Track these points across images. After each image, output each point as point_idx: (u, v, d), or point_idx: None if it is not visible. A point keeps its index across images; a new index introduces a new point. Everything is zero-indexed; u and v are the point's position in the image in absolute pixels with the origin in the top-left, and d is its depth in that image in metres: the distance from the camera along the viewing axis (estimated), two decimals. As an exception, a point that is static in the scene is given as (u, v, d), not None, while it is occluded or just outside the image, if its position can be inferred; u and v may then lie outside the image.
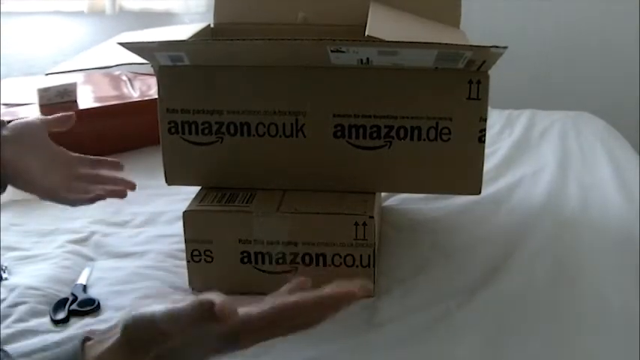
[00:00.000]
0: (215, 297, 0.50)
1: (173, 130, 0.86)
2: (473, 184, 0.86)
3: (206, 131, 0.86)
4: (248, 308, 0.53)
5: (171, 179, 0.90)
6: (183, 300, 0.52)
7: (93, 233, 1.02)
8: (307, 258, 0.83)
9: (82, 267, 0.92)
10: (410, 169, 0.85)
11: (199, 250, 0.84)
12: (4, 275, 0.89)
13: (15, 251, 0.96)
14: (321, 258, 0.82)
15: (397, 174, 0.86)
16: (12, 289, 0.85)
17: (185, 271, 0.86)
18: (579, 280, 0.88)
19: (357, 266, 0.82)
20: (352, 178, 0.86)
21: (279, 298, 0.55)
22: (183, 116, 0.85)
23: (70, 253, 0.95)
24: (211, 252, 0.84)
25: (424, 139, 0.83)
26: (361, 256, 0.82)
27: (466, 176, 0.86)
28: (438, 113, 0.82)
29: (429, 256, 0.94)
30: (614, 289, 0.85)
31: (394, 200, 1.11)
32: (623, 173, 1.21)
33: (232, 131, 0.85)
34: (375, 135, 0.84)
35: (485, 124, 0.83)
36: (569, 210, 1.07)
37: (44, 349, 0.56)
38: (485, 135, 0.83)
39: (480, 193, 0.87)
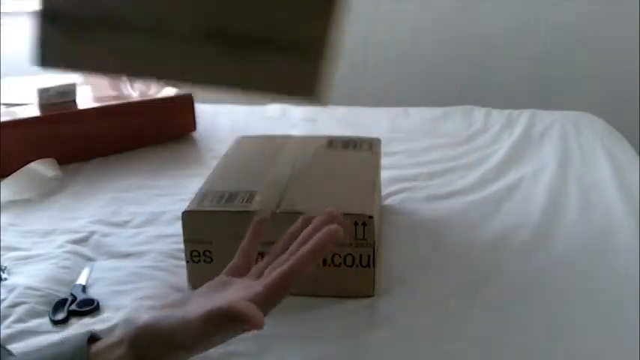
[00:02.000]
0: (224, 302, 0.51)
1: None
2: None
3: None
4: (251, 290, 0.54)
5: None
6: (186, 306, 0.53)
7: (93, 233, 1.02)
8: None
9: (82, 267, 0.92)
10: None
11: (199, 250, 0.84)
12: (3, 275, 0.89)
13: (15, 251, 0.96)
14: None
15: None
16: (11, 290, 0.85)
17: (185, 271, 0.86)
18: (579, 279, 0.88)
19: (356, 266, 0.82)
20: None
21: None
22: None
23: (70, 253, 0.95)
24: (211, 252, 0.84)
25: None
26: (361, 256, 0.82)
27: None
28: None
29: (429, 256, 0.94)
30: (614, 289, 0.85)
31: (394, 200, 1.11)
32: (623, 173, 1.20)
33: None
34: None
35: None
36: (569, 210, 1.07)
37: (46, 347, 0.55)
38: None
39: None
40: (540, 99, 1.89)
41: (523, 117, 1.53)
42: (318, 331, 0.78)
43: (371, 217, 0.80)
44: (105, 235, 1.01)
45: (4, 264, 0.92)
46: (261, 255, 0.82)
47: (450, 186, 1.18)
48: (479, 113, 1.57)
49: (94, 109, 1.34)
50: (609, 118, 1.55)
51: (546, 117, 1.53)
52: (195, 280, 0.86)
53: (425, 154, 1.33)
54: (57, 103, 1.32)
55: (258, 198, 0.84)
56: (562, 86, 2.06)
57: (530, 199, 1.12)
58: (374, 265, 0.82)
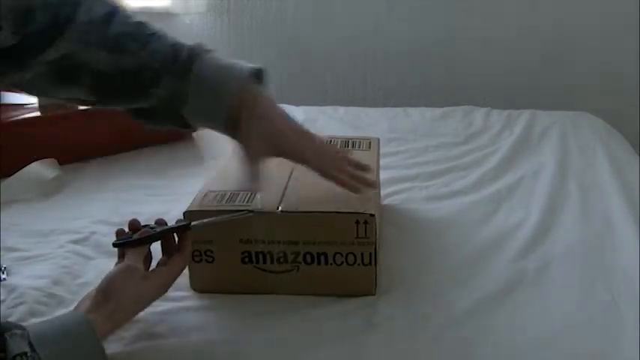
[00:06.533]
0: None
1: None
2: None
3: None
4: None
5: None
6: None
7: (93, 233, 1.02)
8: (308, 257, 0.83)
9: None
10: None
11: (200, 250, 0.84)
12: (3, 276, 0.89)
13: (15, 252, 0.96)
14: (322, 257, 0.82)
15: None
16: (11, 290, 0.85)
17: (186, 271, 0.86)
18: (578, 279, 0.88)
19: (358, 264, 0.82)
20: None
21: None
22: None
23: (70, 253, 0.95)
24: (212, 252, 0.84)
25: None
26: (362, 254, 0.82)
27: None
28: None
29: (429, 256, 0.94)
30: (613, 289, 0.85)
31: (394, 200, 1.11)
32: (623, 173, 1.20)
33: None
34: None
35: None
36: (568, 210, 1.07)
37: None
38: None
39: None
40: (540, 99, 1.89)
41: (523, 117, 1.53)
42: (319, 331, 0.78)
43: (372, 215, 0.80)
44: (105, 235, 1.01)
45: (4, 264, 0.92)
46: (262, 254, 0.83)
47: (450, 186, 1.18)
48: (479, 113, 1.57)
49: (94, 109, 1.33)
50: (609, 118, 1.55)
51: (546, 117, 1.53)
52: (197, 280, 0.86)
53: (425, 154, 1.33)
54: (57, 103, 1.32)
55: (258, 197, 0.85)
56: (562, 86, 2.06)
57: (530, 199, 1.12)
58: (375, 264, 0.82)
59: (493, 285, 0.86)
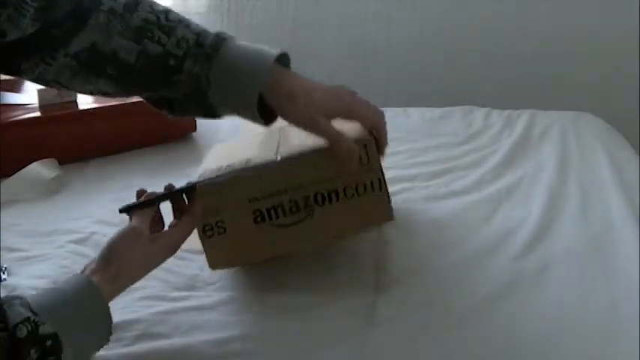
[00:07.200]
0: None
1: None
2: None
3: None
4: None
5: None
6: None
7: (93, 233, 1.02)
8: (320, 198, 0.80)
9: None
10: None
11: (211, 223, 0.82)
12: (3, 276, 0.89)
13: (15, 252, 0.96)
14: (333, 194, 0.80)
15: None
16: (11, 290, 0.85)
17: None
18: (578, 279, 0.88)
19: (368, 193, 0.80)
20: None
21: None
22: None
23: (70, 253, 0.95)
24: (223, 222, 0.82)
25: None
26: (371, 182, 0.80)
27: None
28: None
29: (429, 256, 0.94)
30: (613, 289, 0.85)
31: (394, 200, 1.10)
32: (623, 173, 1.20)
33: None
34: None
35: None
36: (568, 210, 1.07)
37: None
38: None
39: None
40: (540, 99, 1.89)
41: (523, 117, 1.53)
42: (318, 331, 0.78)
43: (369, 139, 0.79)
44: (105, 235, 1.01)
45: (4, 264, 0.92)
46: (274, 209, 0.81)
47: (450, 186, 1.18)
48: (479, 113, 1.57)
49: (94, 109, 1.34)
50: (609, 118, 1.55)
51: (546, 117, 1.53)
52: (213, 257, 0.84)
53: (425, 154, 1.33)
54: (57, 103, 1.32)
55: (255, 160, 0.84)
56: (562, 86, 2.06)
57: (530, 199, 1.12)
58: (386, 189, 0.81)
59: (493, 285, 0.86)
